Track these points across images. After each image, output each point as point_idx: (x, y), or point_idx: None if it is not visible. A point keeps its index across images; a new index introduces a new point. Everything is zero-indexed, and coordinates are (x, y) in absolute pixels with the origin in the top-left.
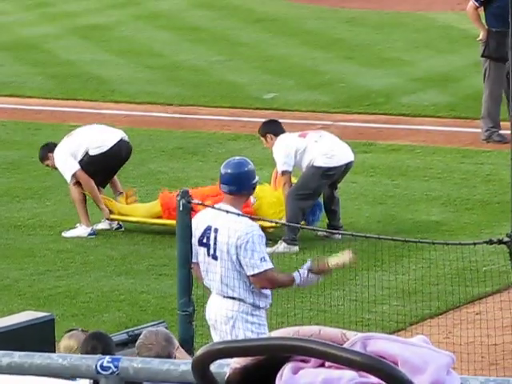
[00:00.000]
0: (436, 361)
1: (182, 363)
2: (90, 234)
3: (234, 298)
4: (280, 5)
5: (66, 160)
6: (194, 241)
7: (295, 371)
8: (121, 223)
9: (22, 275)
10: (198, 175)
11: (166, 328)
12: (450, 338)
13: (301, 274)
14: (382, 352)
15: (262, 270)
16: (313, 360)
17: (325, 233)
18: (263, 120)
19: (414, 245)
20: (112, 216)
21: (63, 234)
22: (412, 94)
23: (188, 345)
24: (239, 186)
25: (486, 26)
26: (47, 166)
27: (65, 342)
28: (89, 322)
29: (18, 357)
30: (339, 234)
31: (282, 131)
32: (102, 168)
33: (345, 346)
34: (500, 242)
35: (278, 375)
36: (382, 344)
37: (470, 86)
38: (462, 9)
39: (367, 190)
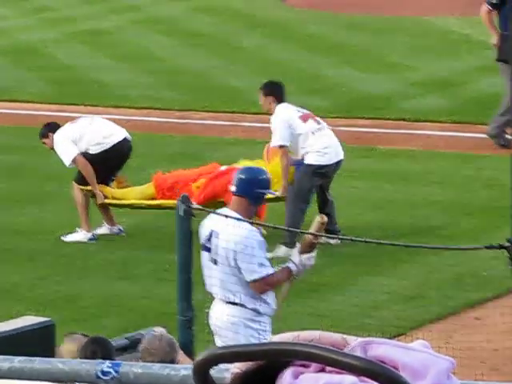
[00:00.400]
0: (436, 366)
1: (183, 368)
2: (90, 239)
3: (235, 304)
4: (280, 10)
5: (66, 144)
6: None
7: (296, 376)
8: (121, 228)
9: (22, 280)
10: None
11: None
12: (450, 342)
13: (293, 260)
14: (383, 357)
15: (261, 276)
16: (313, 365)
17: (325, 238)
18: (263, 125)
19: (414, 250)
20: (106, 201)
21: (63, 238)
22: (412, 98)
23: (188, 350)
24: (242, 189)
25: (500, 30)
26: (44, 143)
27: (67, 345)
28: (89, 326)
29: (17, 361)
30: (339, 238)
31: (284, 99)
32: (102, 166)
33: (345, 350)
34: (500, 246)
35: (279, 380)
36: (382, 349)
37: (470, 91)
38: (462, 13)
39: (367, 194)
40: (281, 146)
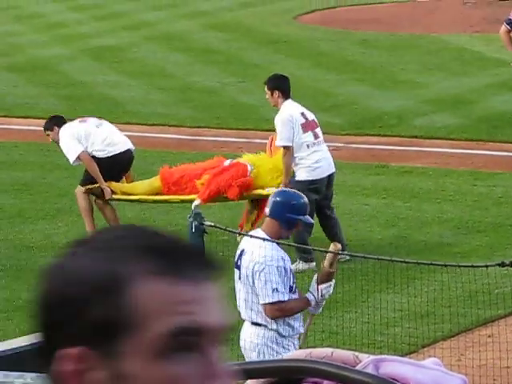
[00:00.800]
0: (448, 383)
1: None
2: None
3: (258, 324)
4: (293, 26)
5: (72, 141)
6: None
7: None
8: None
9: (34, 296)
10: None
11: None
12: (462, 360)
13: (312, 291)
14: (395, 374)
15: (273, 301)
16: (325, 382)
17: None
18: None
19: (426, 267)
20: (114, 196)
21: None
22: (424, 115)
23: None
24: (274, 211)
25: None
26: (47, 135)
27: None
28: None
29: (30, 378)
30: (351, 256)
31: (289, 94)
32: (105, 171)
33: (357, 368)
34: None
35: None
36: (394, 366)
37: (482, 108)
38: (474, 31)
39: (379, 212)
40: (285, 147)
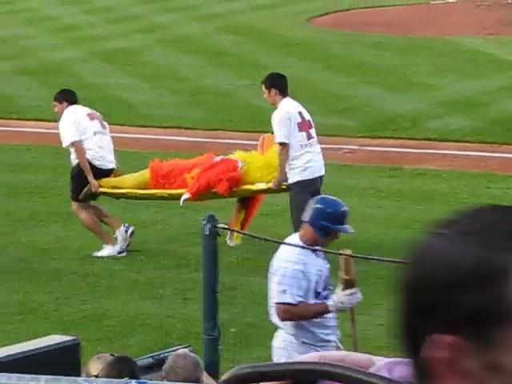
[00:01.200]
0: None
1: None
2: (119, 252)
3: (281, 329)
4: (305, 29)
5: (73, 127)
6: None
7: None
8: (122, 247)
9: (47, 299)
10: (222, 200)
11: (192, 352)
12: None
13: (333, 297)
14: (409, 377)
15: (279, 301)
16: None
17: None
18: None
19: None
20: (102, 189)
21: (94, 254)
22: (438, 118)
23: (213, 369)
24: (310, 218)
25: None
26: (54, 106)
27: (93, 364)
28: (114, 345)
29: (44, 381)
30: (365, 258)
31: (287, 92)
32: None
33: (371, 370)
34: None
35: None
36: (407, 369)
37: (496, 111)
38: (488, 33)
39: (393, 214)
40: (282, 143)
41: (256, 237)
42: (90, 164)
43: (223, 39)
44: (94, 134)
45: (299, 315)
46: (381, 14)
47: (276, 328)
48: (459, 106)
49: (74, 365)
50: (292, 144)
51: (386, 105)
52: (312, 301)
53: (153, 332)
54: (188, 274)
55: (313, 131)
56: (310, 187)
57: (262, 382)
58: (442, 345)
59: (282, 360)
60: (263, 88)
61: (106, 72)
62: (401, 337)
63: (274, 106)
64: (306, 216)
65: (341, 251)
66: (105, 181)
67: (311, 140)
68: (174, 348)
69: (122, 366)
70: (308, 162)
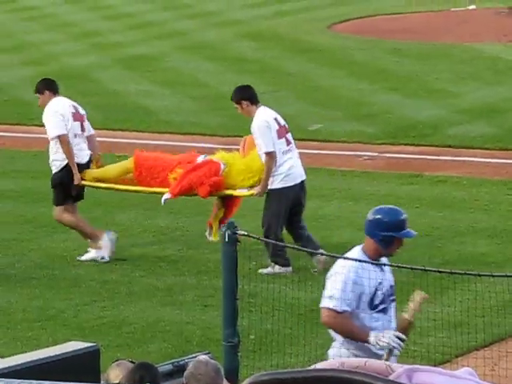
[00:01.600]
0: None
1: None
2: (102, 258)
3: (335, 340)
4: (326, 35)
5: (60, 121)
6: None
7: None
8: (105, 255)
9: (67, 305)
10: (244, 206)
11: (212, 359)
12: (496, 370)
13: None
14: None
15: (323, 305)
16: None
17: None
18: (309, 151)
19: (460, 277)
20: (84, 182)
21: (78, 258)
22: (459, 125)
23: (233, 376)
24: (368, 229)
25: None
26: (37, 98)
27: (113, 371)
28: (134, 352)
29: None
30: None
31: (257, 100)
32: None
33: (390, 377)
34: None
35: None
36: (427, 376)
37: None
38: (508, 40)
39: (413, 221)
40: (267, 153)
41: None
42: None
43: (244, 45)
44: (75, 136)
45: (340, 326)
46: (401, 20)
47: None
48: (480, 112)
49: (94, 371)
50: (276, 152)
51: (407, 111)
52: (366, 313)
53: (172, 339)
54: (208, 281)
55: (289, 136)
56: (290, 194)
57: None
58: None
59: None
60: (234, 104)
61: (126, 78)
62: None
63: (250, 118)
64: (366, 229)
65: (417, 294)
66: (88, 173)
67: (290, 146)
68: (194, 354)
69: (143, 372)
70: (289, 168)
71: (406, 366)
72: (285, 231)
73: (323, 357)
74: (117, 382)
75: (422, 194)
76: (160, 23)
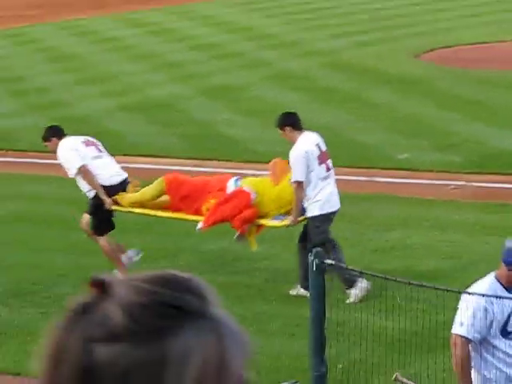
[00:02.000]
0: None
1: None
2: None
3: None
4: (410, 65)
5: (73, 153)
6: None
7: None
8: (131, 254)
9: None
10: (345, 236)
11: None
12: None
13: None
14: None
15: (455, 332)
16: None
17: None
18: (396, 180)
19: None
20: (115, 207)
21: None
22: None
23: None
24: (502, 256)
25: None
26: (46, 146)
27: None
28: None
29: None
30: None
31: (300, 126)
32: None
33: None
34: None
35: None
36: None
37: None
38: None
39: (500, 251)
40: (298, 182)
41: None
42: (103, 186)
43: (328, 75)
44: (93, 159)
45: (467, 355)
46: (486, 50)
47: None
48: None
49: None
50: (312, 179)
51: (493, 141)
52: (498, 340)
53: (261, 368)
54: (295, 310)
55: (330, 162)
56: (329, 221)
57: None
58: None
59: None
60: (278, 130)
61: (210, 108)
62: None
63: (294, 143)
64: (502, 256)
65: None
66: (125, 198)
67: (329, 172)
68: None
69: None
70: (329, 194)
71: None
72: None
73: None
74: None
75: (509, 223)
76: (244, 53)
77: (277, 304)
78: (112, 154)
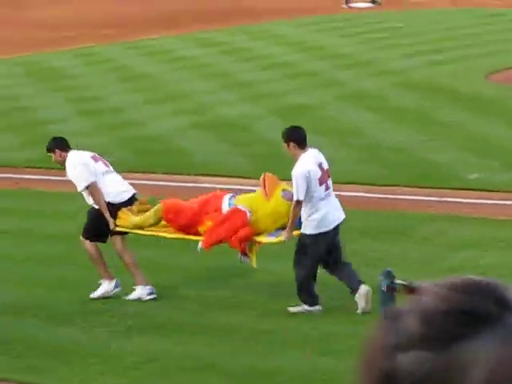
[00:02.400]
0: None
1: None
2: (116, 287)
3: None
4: (482, 85)
5: (84, 170)
6: None
7: None
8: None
9: (219, 353)
10: (401, 256)
11: None
12: None
13: None
14: None
15: None
16: None
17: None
18: (466, 201)
19: None
20: (118, 228)
21: (91, 296)
22: None
23: None
24: None
25: None
26: (49, 156)
27: None
28: None
29: None
30: None
31: (305, 144)
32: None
33: None
34: None
35: None
36: None
37: None
38: None
39: None
40: (298, 201)
41: None
42: (112, 203)
43: (400, 95)
44: (103, 174)
45: None
46: None
47: None
48: None
49: None
50: (310, 198)
51: None
52: None
53: None
54: (364, 330)
55: (330, 181)
56: (324, 240)
57: None
58: None
59: None
60: (283, 143)
61: (281, 128)
62: None
63: (296, 159)
64: None
65: None
66: (129, 220)
67: (328, 191)
68: None
69: None
70: (325, 213)
71: None
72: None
73: None
74: None
75: None
76: (317, 73)
77: (346, 324)
78: (181, 173)
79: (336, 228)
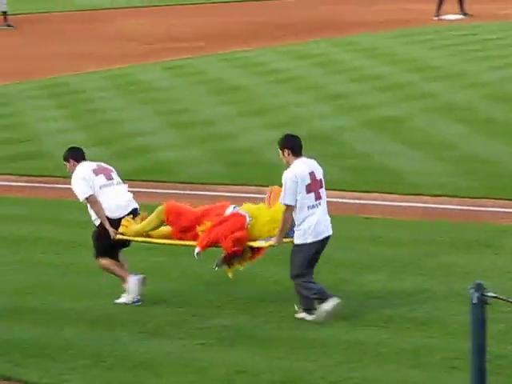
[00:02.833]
0: None
1: None
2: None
3: None
4: None
5: (84, 182)
6: None
7: None
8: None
9: (313, 367)
10: (491, 268)
11: None
12: None
13: None
14: None
15: None
16: None
17: None
18: None
19: None
20: (120, 237)
21: (115, 301)
22: None
23: None
24: None
25: None
26: (64, 166)
27: None
28: None
29: None
30: None
31: (300, 152)
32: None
33: None
34: None
35: None
36: None
37: None
38: None
39: None
40: (288, 206)
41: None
42: (109, 218)
43: (491, 107)
44: (100, 188)
45: None
46: None
47: None
48: None
49: None
50: (299, 206)
51: None
52: None
53: None
54: (456, 344)
55: (322, 191)
56: (313, 249)
57: None
58: None
59: None
60: (278, 150)
61: (373, 140)
62: None
63: (289, 165)
64: None
65: None
66: (130, 228)
67: (319, 201)
68: None
69: None
70: (316, 223)
71: None
72: None
73: None
74: None
75: None
76: (407, 85)
77: (437, 337)
78: (266, 185)
79: (324, 241)
